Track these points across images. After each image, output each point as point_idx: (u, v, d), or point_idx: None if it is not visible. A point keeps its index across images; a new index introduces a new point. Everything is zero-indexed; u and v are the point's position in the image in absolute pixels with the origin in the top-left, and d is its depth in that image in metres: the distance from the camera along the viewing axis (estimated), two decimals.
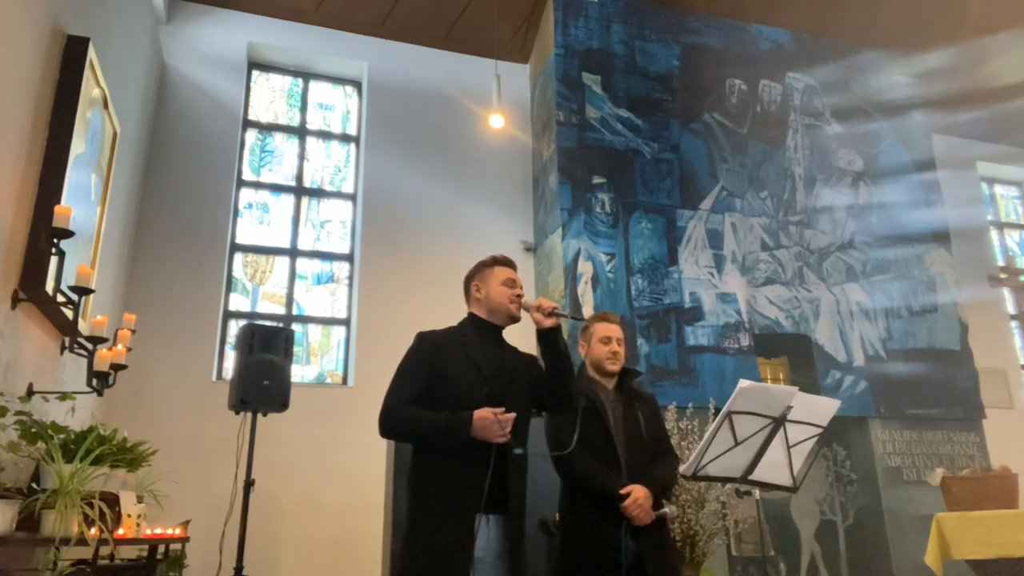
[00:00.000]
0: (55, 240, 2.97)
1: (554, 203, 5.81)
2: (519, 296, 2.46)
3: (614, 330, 2.87)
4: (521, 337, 2.62)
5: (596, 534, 2.60)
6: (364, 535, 4.91)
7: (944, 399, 6.19)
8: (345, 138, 6.37)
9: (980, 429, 6.22)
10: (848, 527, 5.67)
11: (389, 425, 2.32)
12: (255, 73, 6.24)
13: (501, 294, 2.45)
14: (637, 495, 2.56)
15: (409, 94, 6.27)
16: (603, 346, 2.83)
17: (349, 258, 5.99)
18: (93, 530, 2.54)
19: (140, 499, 3.36)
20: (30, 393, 3.03)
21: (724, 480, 2.61)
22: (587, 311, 5.42)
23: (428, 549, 2.15)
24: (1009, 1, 6.49)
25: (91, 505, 2.51)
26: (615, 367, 2.83)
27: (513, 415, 2.22)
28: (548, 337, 2.38)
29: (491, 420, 2.17)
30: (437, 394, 2.30)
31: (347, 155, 6.34)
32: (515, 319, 2.48)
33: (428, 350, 2.38)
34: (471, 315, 2.51)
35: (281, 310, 5.73)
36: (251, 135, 6.08)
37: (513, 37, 6.56)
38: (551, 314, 2.36)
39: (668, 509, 2.67)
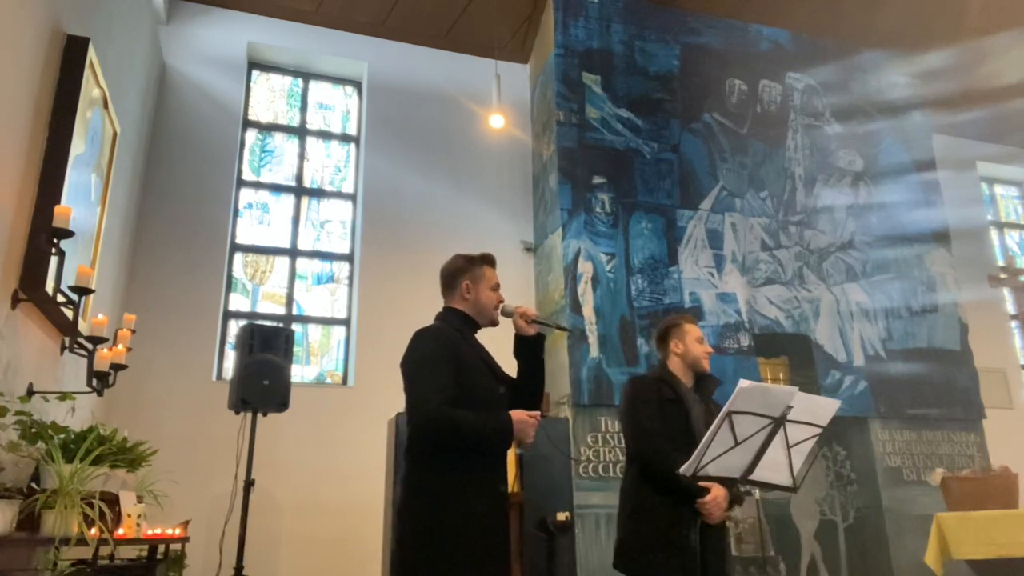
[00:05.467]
0: (55, 240, 2.97)
1: (554, 203, 5.80)
2: (500, 302, 2.48)
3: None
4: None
5: (670, 526, 2.64)
6: (364, 535, 4.91)
7: (944, 399, 6.19)
8: (345, 138, 6.37)
9: (980, 429, 6.22)
10: (848, 527, 5.66)
11: (434, 426, 2.14)
12: (255, 73, 6.24)
13: (490, 300, 2.44)
14: (717, 494, 2.62)
15: (409, 94, 6.27)
16: (700, 345, 2.95)
17: (349, 258, 5.99)
18: (93, 530, 2.54)
19: (140, 499, 3.36)
20: (30, 393, 3.02)
21: (724, 480, 2.61)
22: (587, 311, 5.42)
23: (473, 557, 2.10)
24: (1009, 1, 6.49)
25: (91, 505, 2.51)
26: (708, 367, 2.95)
27: (541, 418, 2.26)
28: (532, 344, 2.44)
29: (529, 423, 2.20)
30: (459, 392, 2.20)
31: (347, 155, 6.34)
32: (494, 325, 2.49)
33: (444, 345, 2.27)
34: (456, 311, 2.45)
35: (281, 310, 5.73)
36: (251, 135, 6.08)
37: (513, 37, 6.56)
38: (533, 322, 2.43)
39: (732, 512, 2.72)
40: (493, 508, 2.18)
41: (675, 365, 2.95)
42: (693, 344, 2.95)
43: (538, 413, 2.24)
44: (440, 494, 2.14)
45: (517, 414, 2.19)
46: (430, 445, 2.19)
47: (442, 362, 2.22)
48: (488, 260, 2.52)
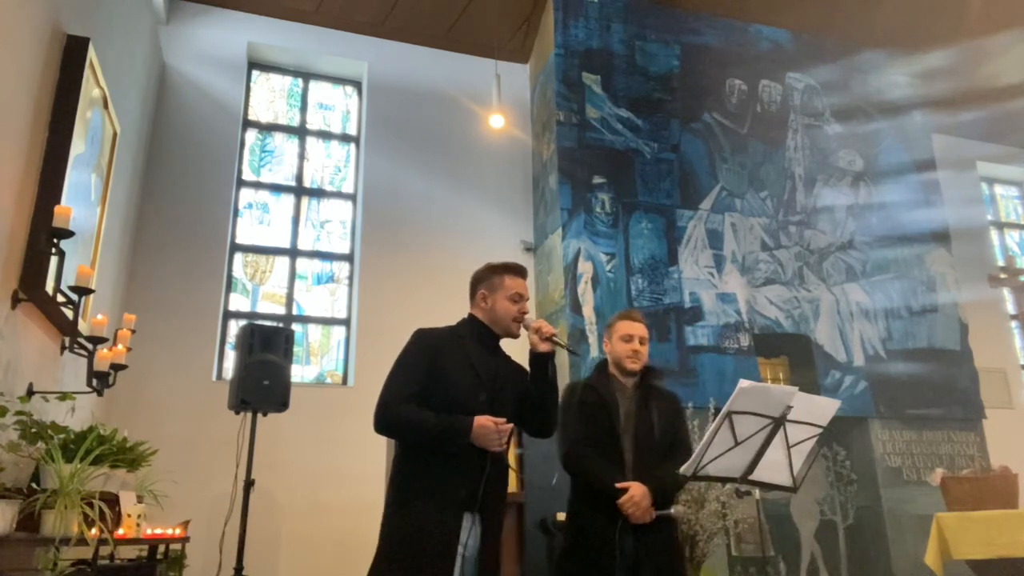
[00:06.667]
0: (55, 240, 2.97)
1: (554, 203, 5.80)
2: (523, 314, 2.41)
3: (637, 328, 2.83)
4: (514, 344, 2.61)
5: (595, 529, 2.60)
6: (364, 535, 4.87)
7: (944, 399, 6.18)
8: (345, 138, 6.37)
9: (980, 429, 6.22)
10: (848, 527, 5.67)
11: (386, 420, 2.26)
12: (255, 73, 6.24)
13: (506, 310, 2.39)
14: (633, 492, 2.54)
15: (409, 94, 6.27)
16: (624, 344, 2.80)
17: (349, 258, 5.99)
18: (93, 530, 2.54)
19: (140, 499, 3.36)
20: (30, 393, 3.02)
21: (724, 480, 2.60)
22: (587, 311, 5.42)
23: (415, 539, 2.13)
24: (1009, 1, 6.49)
25: (91, 505, 2.51)
26: (635, 366, 2.79)
27: (511, 426, 2.23)
28: (539, 362, 2.37)
29: (491, 429, 2.17)
30: (435, 394, 2.25)
31: (347, 155, 6.34)
32: (513, 337, 2.44)
33: (427, 347, 2.33)
34: (472, 318, 2.45)
35: (281, 310, 5.73)
36: (251, 135, 6.08)
37: (513, 37, 6.56)
38: (547, 339, 2.35)
39: (674, 510, 2.66)
40: (445, 511, 2.16)
41: (610, 365, 2.86)
42: (617, 343, 2.82)
43: (504, 420, 2.19)
44: (398, 495, 2.26)
45: (480, 419, 2.17)
46: (388, 436, 2.29)
47: (414, 363, 2.31)
48: (511, 270, 2.45)
